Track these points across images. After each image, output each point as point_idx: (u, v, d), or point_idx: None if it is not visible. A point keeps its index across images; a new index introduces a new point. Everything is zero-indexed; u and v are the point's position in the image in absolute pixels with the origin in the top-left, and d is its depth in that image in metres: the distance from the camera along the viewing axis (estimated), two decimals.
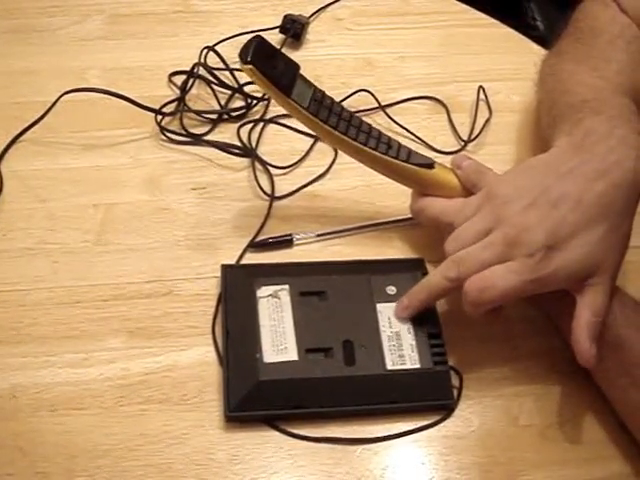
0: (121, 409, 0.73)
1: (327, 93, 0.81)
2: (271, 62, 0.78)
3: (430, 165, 0.82)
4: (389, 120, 0.97)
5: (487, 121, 0.98)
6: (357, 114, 0.83)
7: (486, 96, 1.00)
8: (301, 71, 0.80)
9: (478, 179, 0.80)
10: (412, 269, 0.82)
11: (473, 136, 0.96)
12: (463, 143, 0.95)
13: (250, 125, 0.96)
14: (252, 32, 1.01)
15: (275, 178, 0.91)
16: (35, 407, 0.73)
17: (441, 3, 1.11)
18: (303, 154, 0.93)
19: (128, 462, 0.70)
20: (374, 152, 0.81)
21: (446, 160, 0.85)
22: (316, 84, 0.81)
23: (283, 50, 1.03)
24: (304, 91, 0.79)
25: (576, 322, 0.71)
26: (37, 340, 0.77)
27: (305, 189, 0.90)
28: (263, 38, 0.79)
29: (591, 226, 0.72)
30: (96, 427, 0.72)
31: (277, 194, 0.89)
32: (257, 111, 0.97)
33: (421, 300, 0.77)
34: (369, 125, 0.82)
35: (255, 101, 0.97)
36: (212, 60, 1.00)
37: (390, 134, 0.85)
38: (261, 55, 0.77)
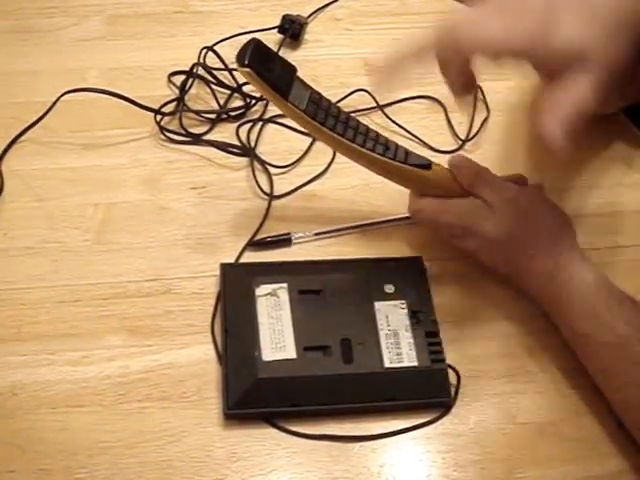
0: (120, 407, 0.74)
1: (324, 95, 0.81)
2: (268, 65, 0.78)
3: (427, 166, 0.82)
4: (387, 119, 0.97)
5: (485, 120, 0.98)
6: (355, 114, 0.83)
7: (484, 95, 1.00)
8: (298, 73, 0.80)
9: (475, 179, 0.81)
10: (410, 267, 0.82)
11: (471, 135, 0.96)
12: (461, 142, 0.96)
13: (249, 125, 0.96)
14: (251, 32, 1.02)
15: (274, 177, 0.91)
16: (35, 405, 0.74)
17: (439, 3, 1.11)
18: (302, 153, 0.94)
19: (127, 459, 0.71)
20: (372, 153, 0.81)
21: (444, 159, 0.85)
22: (313, 86, 0.81)
23: (282, 50, 1.03)
24: (301, 93, 0.79)
25: (548, 104, 0.66)
26: (37, 338, 0.78)
27: (304, 188, 0.91)
28: (260, 41, 0.79)
29: (593, 12, 0.68)
30: (95, 424, 0.73)
31: (276, 193, 0.90)
32: (256, 111, 0.98)
33: (400, 52, 0.72)
34: (366, 126, 0.82)
35: (254, 101, 0.98)
36: (211, 60, 1.01)
37: (388, 133, 0.86)
38: (258, 58, 0.77)
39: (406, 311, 0.78)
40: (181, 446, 0.72)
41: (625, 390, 0.72)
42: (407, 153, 0.83)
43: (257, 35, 0.93)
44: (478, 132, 0.97)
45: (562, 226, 0.79)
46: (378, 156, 0.81)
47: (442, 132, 0.97)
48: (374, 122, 0.96)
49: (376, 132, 0.82)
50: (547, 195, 0.82)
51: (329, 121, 0.80)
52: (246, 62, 0.76)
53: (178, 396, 0.75)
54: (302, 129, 0.84)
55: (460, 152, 0.94)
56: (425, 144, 0.95)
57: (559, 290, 0.75)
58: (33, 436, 0.72)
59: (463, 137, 0.96)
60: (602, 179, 0.94)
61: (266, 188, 0.90)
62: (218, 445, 0.72)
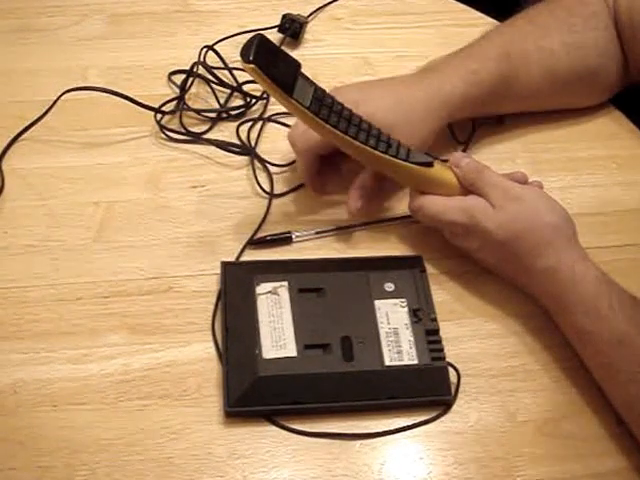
0: (121, 404, 0.74)
1: (327, 91, 0.81)
2: (273, 61, 0.77)
3: (429, 163, 0.83)
4: None
5: (484, 125, 0.97)
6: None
7: None
8: (302, 69, 0.80)
9: (476, 178, 0.81)
10: (410, 266, 0.82)
11: (470, 140, 0.95)
12: (462, 147, 0.95)
13: (249, 123, 0.96)
14: (251, 31, 1.01)
15: (274, 176, 0.91)
16: (36, 402, 0.74)
17: (439, 3, 1.11)
18: None
19: (128, 457, 0.71)
20: (374, 151, 0.81)
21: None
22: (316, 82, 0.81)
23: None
24: (305, 90, 0.79)
25: None
26: (38, 336, 0.78)
27: (304, 187, 0.91)
28: (264, 36, 0.78)
29: None
30: (97, 422, 0.73)
31: (276, 192, 0.90)
32: (256, 110, 0.98)
33: None
34: (369, 123, 0.82)
35: (254, 100, 0.98)
36: (211, 59, 1.01)
37: None
38: (263, 54, 0.77)
39: (406, 309, 0.78)
40: (182, 444, 0.72)
41: (626, 387, 0.72)
42: (409, 151, 0.83)
43: None
44: (476, 135, 0.96)
45: (563, 224, 0.80)
46: (380, 153, 0.81)
47: (442, 136, 0.96)
48: None
49: (378, 129, 0.82)
50: (547, 193, 0.83)
51: (332, 118, 0.80)
52: (251, 58, 0.76)
53: (179, 394, 0.75)
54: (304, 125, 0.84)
55: (461, 152, 0.93)
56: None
57: (560, 288, 0.76)
58: (34, 433, 0.72)
59: (463, 139, 0.95)
60: (599, 178, 0.94)
61: (266, 187, 0.90)
62: (219, 443, 0.72)
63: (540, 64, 0.93)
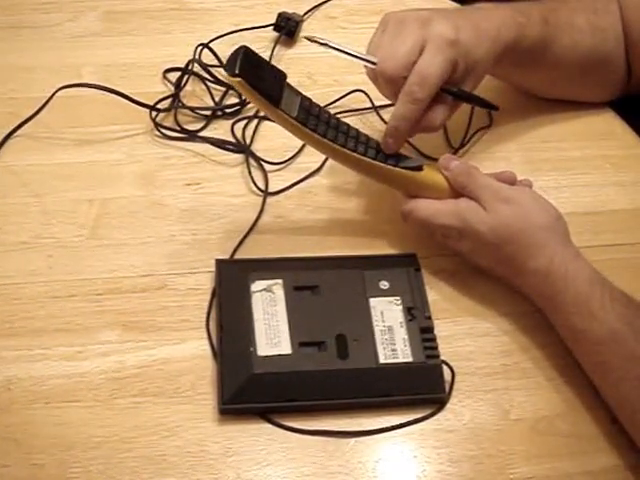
0: (115, 402, 0.74)
1: (314, 100, 0.81)
2: (259, 73, 0.76)
3: (419, 167, 0.82)
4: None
5: (481, 130, 0.97)
6: (349, 114, 0.83)
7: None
8: (288, 79, 0.79)
9: (467, 181, 0.81)
10: (405, 264, 0.82)
11: (465, 143, 0.95)
12: (453, 150, 0.94)
13: (244, 121, 0.96)
14: (246, 29, 1.02)
15: (269, 174, 0.91)
16: (30, 399, 0.74)
17: (435, 2, 1.11)
18: (297, 150, 0.94)
19: (122, 454, 0.71)
20: (363, 157, 0.81)
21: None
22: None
23: (277, 48, 1.03)
24: (292, 100, 0.79)
25: None
26: (32, 333, 0.78)
27: (299, 185, 0.91)
28: (249, 48, 0.77)
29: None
30: (90, 419, 0.73)
31: (271, 190, 0.90)
32: (251, 108, 0.98)
33: None
34: (356, 130, 0.82)
35: None
36: (206, 57, 1.01)
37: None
38: (249, 66, 0.75)
39: (401, 307, 0.78)
40: (176, 441, 0.72)
41: (619, 385, 0.72)
42: (398, 156, 0.83)
43: (252, 32, 0.93)
44: (470, 140, 0.96)
45: (555, 224, 0.79)
46: (369, 160, 0.81)
47: (436, 138, 0.96)
48: (369, 121, 0.96)
49: (366, 136, 0.82)
50: (538, 192, 0.83)
51: (320, 127, 0.79)
52: (237, 72, 0.75)
53: (173, 391, 0.75)
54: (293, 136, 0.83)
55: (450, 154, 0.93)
56: (416, 149, 0.93)
57: (554, 287, 0.76)
58: (28, 431, 0.72)
59: (458, 142, 0.95)
60: (593, 178, 0.94)
61: (261, 185, 0.90)
62: (213, 440, 0.72)
63: (570, 38, 0.92)
